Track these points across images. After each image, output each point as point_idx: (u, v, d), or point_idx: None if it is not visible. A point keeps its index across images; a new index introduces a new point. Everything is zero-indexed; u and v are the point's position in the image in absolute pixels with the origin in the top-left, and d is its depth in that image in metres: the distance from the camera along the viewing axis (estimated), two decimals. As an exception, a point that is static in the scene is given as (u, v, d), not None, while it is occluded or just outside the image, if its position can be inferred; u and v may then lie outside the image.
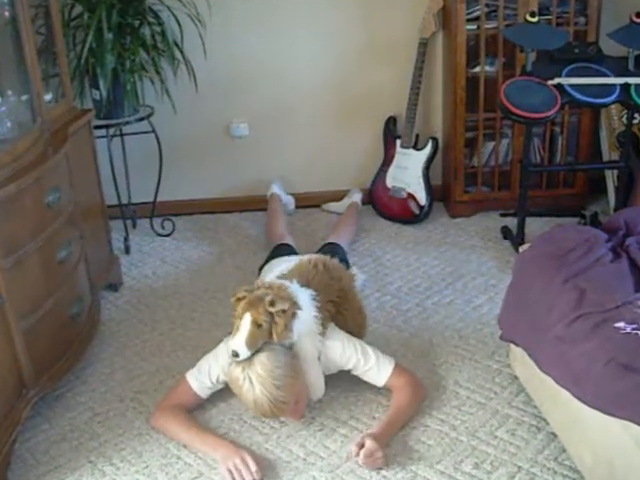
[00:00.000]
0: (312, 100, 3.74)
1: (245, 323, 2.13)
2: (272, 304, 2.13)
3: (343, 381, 2.37)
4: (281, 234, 3.27)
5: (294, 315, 2.19)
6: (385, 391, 2.35)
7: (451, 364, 2.51)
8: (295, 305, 2.19)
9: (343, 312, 2.40)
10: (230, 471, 2.04)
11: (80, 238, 2.62)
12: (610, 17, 3.38)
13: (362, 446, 2.05)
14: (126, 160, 3.59)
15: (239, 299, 2.20)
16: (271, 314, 2.14)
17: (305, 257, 2.54)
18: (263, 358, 2.10)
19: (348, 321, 2.41)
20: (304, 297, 2.26)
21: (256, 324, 2.13)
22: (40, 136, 2.45)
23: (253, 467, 2.04)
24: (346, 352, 2.29)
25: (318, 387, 2.29)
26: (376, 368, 2.30)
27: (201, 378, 2.31)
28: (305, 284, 2.33)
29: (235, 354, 2.10)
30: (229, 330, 2.22)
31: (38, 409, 2.35)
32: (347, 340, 2.31)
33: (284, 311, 2.15)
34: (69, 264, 2.45)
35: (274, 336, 2.15)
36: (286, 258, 2.81)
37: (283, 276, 2.42)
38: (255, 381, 2.07)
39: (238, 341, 2.11)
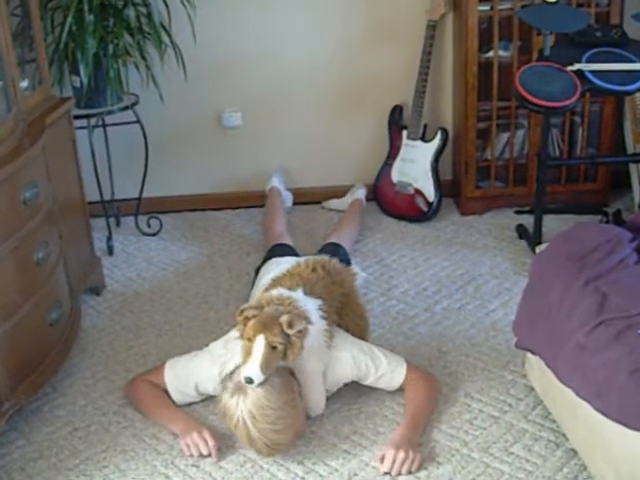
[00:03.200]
0: (311, 88, 3.74)
1: (258, 346, 2.07)
2: (291, 325, 2.08)
3: (345, 392, 2.37)
4: (280, 233, 3.26)
5: (306, 332, 2.15)
6: (390, 402, 2.35)
7: (462, 374, 2.51)
8: (307, 320, 2.16)
9: (345, 317, 2.41)
10: (188, 445, 2.19)
11: (59, 238, 2.62)
12: (635, -3, 3.39)
13: (383, 458, 2.10)
14: (109, 153, 3.59)
15: (247, 318, 2.14)
16: (287, 335, 2.10)
17: (301, 260, 2.50)
18: (260, 396, 2.03)
19: (350, 326, 2.42)
20: (312, 309, 2.25)
21: (271, 347, 2.08)
22: (15, 127, 2.44)
23: (210, 442, 2.18)
24: (357, 363, 2.29)
25: (319, 404, 2.29)
26: (390, 374, 2.32)
27: (180, 386, 2.36)
28: (309, 292, 2.31)
29: (249, 380, 2.04)
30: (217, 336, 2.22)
31: (13, 423, 2.34)
32: (356, 348, 2.31)
33: (300, 331, 2.11)
34: (47, 266, 2.45)
35: (289, 357, 2.12)
36: (284, 259, 2.81)
37: (279, 280, 2.41)
38: (251, 425, 2.03)
39: (253, 367, 2.04)
